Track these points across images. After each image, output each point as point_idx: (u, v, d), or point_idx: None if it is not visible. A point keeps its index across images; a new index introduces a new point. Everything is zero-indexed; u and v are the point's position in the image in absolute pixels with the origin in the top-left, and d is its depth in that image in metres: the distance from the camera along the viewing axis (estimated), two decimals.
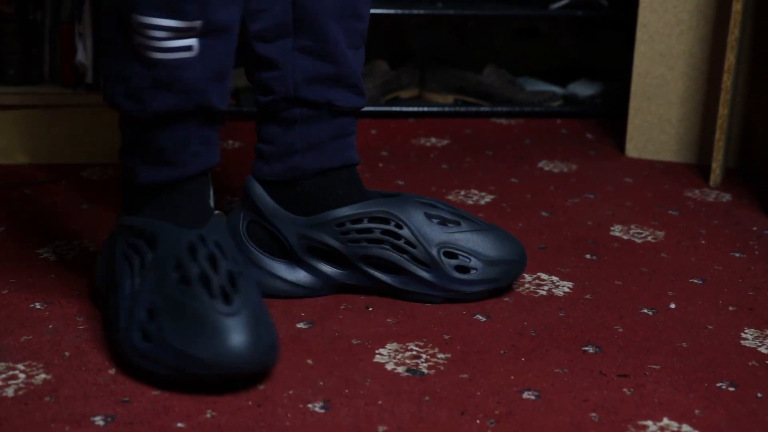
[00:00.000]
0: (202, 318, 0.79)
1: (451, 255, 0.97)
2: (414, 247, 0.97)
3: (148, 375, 0.81)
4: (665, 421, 0.78)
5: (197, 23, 0.85)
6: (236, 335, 0.78)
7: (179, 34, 0.85)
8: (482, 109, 1.84)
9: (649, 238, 1.21)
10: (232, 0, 0.88)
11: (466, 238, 0.98)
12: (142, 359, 0.81)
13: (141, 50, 0.85)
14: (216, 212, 0.92)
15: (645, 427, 0.77)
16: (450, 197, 1.35)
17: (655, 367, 0.87)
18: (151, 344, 0.80)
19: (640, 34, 1.55)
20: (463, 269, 0.97)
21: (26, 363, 0.84)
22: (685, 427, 0.77)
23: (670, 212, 1.32)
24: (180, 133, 0.89)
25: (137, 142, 0.91)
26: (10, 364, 0.83)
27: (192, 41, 0.86)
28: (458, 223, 0.99)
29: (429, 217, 0.98)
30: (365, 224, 0.97)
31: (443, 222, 0.98)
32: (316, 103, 0.98)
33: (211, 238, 0.86)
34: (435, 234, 0.97)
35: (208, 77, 0.87)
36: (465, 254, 0.97)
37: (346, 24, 0.97)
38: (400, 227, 0.97)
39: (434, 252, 0.97)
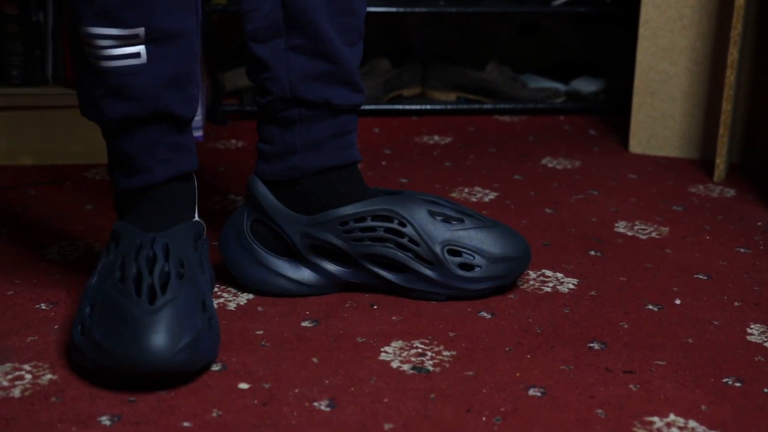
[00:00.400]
0: (124, 315, 0.80)
1: (455, 252, 0.97)
2: (417, 245, 0.97)
3: (77, 367, 0.83)
4: (672, 416, 0.78)
5: (139, 30, 0.86)
6: (151, 334, 0.78)
7: (123, 42, 0.86)
8: (485, 106, 1.84)
9: (654, 234, 1.21)
10: (180, 7, 0.88)
11: (470, 236, 0.98)
12: (73, 351, 0.83)
13: (91, 60, 0.88)
14: (195, 219, 0.93)
15: (651, 423, 0.77)
16: (453, 195, 1.35)
17: (660, 363, 0.87)
18: (84, 338, 0.82)
19: (643, 30, 1.55)
20: (467, 267, 0.97)
21: (32, 363, 0.84)
22: (692, 423, 0.77)
23: (674, 208, 1.32)
24: (143, 140, 0.91)
25: (110, 151, 0.94)
26: (17, 365, 0.84)
27: (138, 48, 0.87)
28: (462, 221, 0.99)
29: (432, 214, 0.98)
30: (368, 222, 0.97)
31: (447, 219, 0.98)
32: (314, 103, 0.97)
33: (162, 241, 0.87)
34: (439, 232, 0.97)
35: (161, 84, 0.88)
36: (469, 252, 0.97)
37: (339, 20, 0.96)
38: (404, 225, 0.97)
39: (438, 250, 0.97)
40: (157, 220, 0.91)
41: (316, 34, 0.95)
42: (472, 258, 0.97)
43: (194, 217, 0.95)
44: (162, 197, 0.93)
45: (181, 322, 0.81)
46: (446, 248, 0.97)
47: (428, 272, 0.97)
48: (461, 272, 0.97)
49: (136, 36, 0.87)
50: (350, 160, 1.01)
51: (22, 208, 1.25)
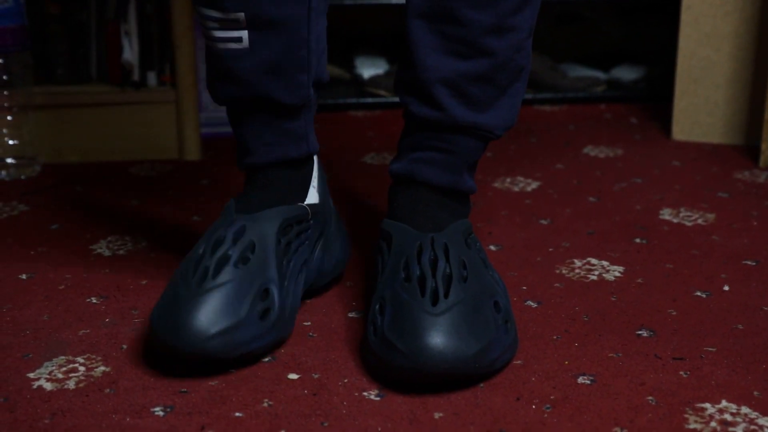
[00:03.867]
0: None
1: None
2: None
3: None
4: (724, 403, 0.77)
5: (239, 15, 0.86)
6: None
7: (225, 25, 0.87)
8: (525, 96, 1.83)
9: (700, 221, 1.20)
10: None
11: None
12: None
13: (207, 41, 0.91)
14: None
15: (703, 409, 0.76)
16: (496, 185, 1.35)
17: (710, 349, 0.86)
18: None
19: (685, 16, 1.53)
20: None
21: (85, 356, 0.85)
22: (744, 409, 0.76)
23: (719, 194, 1.30)
24: (250, 123, 0.92)
25: (231, 128, 0.96)
26: (70, 357, 0.85)
27: (241, 33, 0.87)
28: None
29: None
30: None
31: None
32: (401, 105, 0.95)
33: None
34: None
35: (262, 70, 0.88)
36: None
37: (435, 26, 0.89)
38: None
39: None
40: (257, 203, 0.91)
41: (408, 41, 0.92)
42: None
43: (300, 201, 0.93)
44: (265, 181, 0.93)
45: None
46: None
47: None
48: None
49: (237, 20, 0.86)
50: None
51: (71, 205, 1.27)
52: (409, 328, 0.78)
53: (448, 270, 0.83)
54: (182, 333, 0.79)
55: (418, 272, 0.83)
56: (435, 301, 0.80)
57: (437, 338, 0.77)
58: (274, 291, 0.85)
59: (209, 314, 0.80)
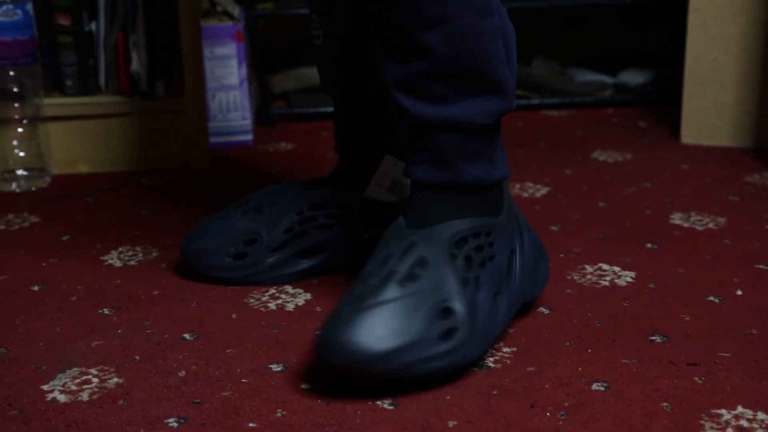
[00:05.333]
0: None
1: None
2: None
3: None
4: (739, 409, 0.77)
5: (313, 15, 1.00)
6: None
7: (313, 24, 1.01)
8: (532, 101, 1.83)
9: (711, 225, 1.19)
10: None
11: None
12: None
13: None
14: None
15: (719, 415, 0.76)
16: None
17: (725, 354, 0.86)
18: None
19: (693, 18, 1.53)
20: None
21: (98, 367, 0.85)
22: (761, 415, 0.76)
23: (730, 198, 1.30)
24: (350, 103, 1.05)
25: None
26: (84, 369, 0.85)
27: (319, 31, 1.01)
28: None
29: None
30: None
31: None
32: None
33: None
34: None
35: (330, 66, 1.00)
36: None
37: None
38: None
39: None
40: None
41: None
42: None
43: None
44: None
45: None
46: None
47: None
48: None
49: (314, 20, 1.01)
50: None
51: (82, 215, 1.27)
52: (329, 320, 0.80)
53: (395, 268, 0.82)
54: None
55: (370, 268, 0.83)
56: (367, 297, 0.80)
57: (343, 331, 0.77)
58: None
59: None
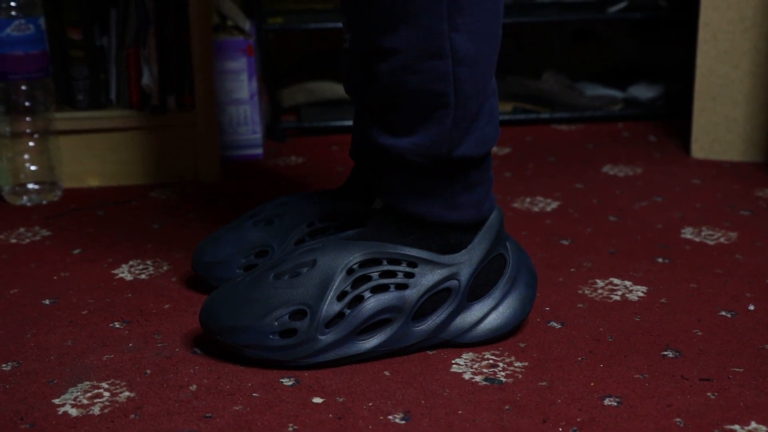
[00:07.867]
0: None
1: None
2: None
3: None
4: (753, 424, 0.76)
5: (343, 19, 0.98)
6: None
7: (343, 27, 1.00)
8: (542, 115, 1.83)
9: (722, 240, 1.19)
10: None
11: None
12: None
13: None
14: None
15: (732, 431, 0.75)
16: (515, 205, 1.35)
17: (738, 370, 0.85)
18: None
19: (703, 33, 1.53)
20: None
21: (110, 381, 0.85)
22: None
23: (741, 212, 1.30)
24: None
25: None
26: (95, 383, 0.85)
27: (348, 35, 0.98)
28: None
29: None
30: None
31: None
32: None
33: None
34: None
35: (353, 69, 0.97)
36: None
37: None
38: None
39: None
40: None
41: None
42: None
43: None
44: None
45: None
46: None
47: None
48: None
49: (343, 23, 0.98)
50: None
51: (93, 229, 1.28)
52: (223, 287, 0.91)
53: (287, 261, 0.89)
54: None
55: (283, 256, 0.91)
56: (247, 277, 0.90)
57: (211, 299, 0.90)
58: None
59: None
